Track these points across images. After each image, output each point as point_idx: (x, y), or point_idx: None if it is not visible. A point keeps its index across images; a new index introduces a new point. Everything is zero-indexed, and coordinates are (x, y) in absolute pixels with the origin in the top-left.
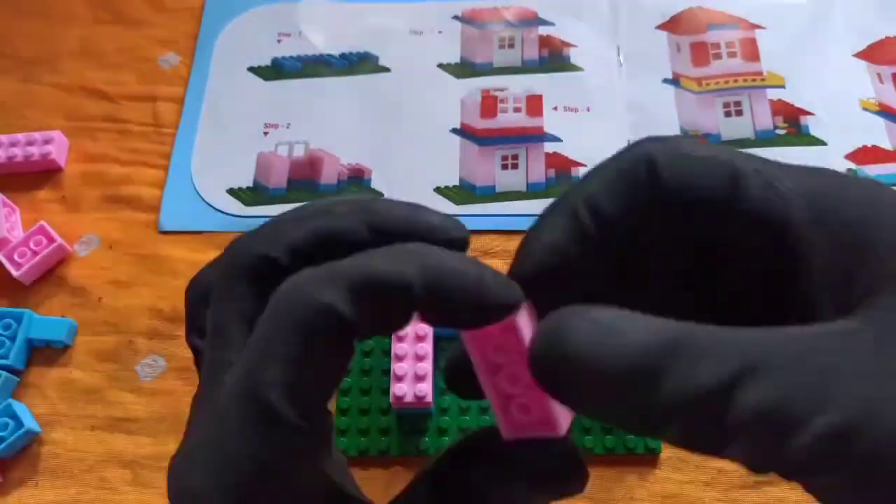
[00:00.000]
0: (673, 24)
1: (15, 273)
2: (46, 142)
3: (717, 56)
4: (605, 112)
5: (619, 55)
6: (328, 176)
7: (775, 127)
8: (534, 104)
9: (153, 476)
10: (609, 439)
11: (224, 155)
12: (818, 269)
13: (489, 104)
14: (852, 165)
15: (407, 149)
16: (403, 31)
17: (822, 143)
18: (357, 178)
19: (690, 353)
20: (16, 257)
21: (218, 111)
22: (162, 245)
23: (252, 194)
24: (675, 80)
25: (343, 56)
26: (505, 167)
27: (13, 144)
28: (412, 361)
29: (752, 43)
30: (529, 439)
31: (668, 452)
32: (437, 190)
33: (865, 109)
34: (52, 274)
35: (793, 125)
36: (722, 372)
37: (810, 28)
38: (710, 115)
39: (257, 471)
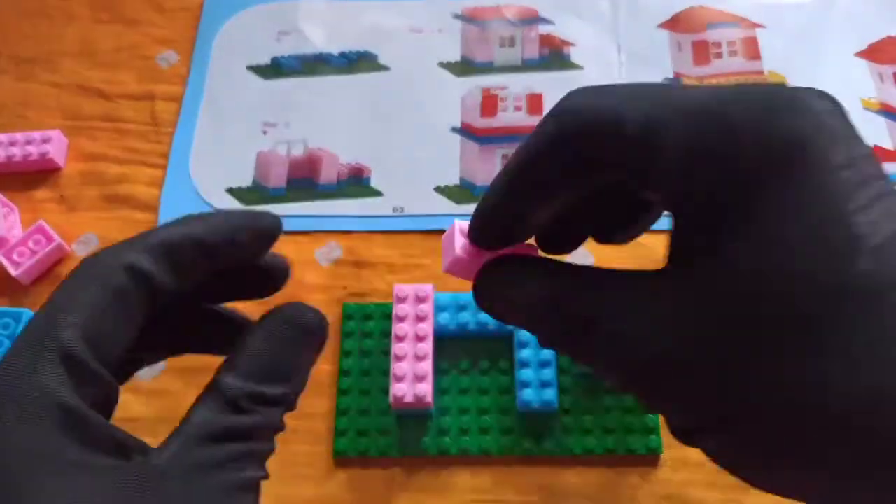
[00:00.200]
0: (674, 23)
1: (14, 272)
2: (45, 141)
3: (718, 55)
4: None
5: (619, 54)
6: (327, 175)
7: None
8: (534, 103)
9: None
10: (610, 440)
11: (223, 154)
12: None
13: (489, 103)
14: None
15: (407, 148)
16: (403, 29)
17: None
18: (356, 177)
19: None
20: (15, 257)
21: (217, 110)
22: None
23: (251, 193)
24: (676, 80)
25: (342, 55)
26: None
27: (12, 144)
28: (412, 362)
29: (753, 42)
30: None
31: (669, 453)
32: (438, 189)
33: (867, 109)
34: (50, 273)
35: None
36: None
37: (811, 27)
38: None
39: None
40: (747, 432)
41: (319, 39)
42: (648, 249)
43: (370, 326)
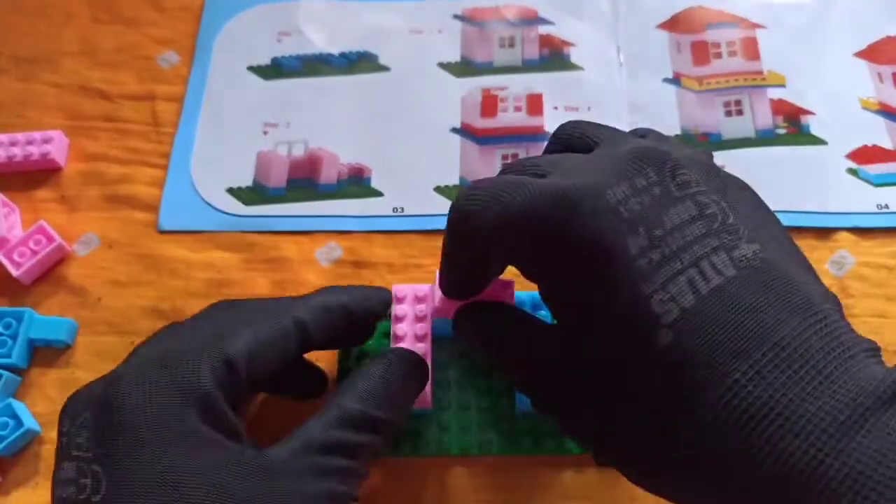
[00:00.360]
0: (673, 24)
1: (14, 273)
2: (46, 141)
3: (718, 55)
4: (606, 111)
5: (619, 54)
6: (328, 175)
7: (776, 126)
8: (534, 103)
9: None
10: None
11: (223, 154)
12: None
13: (489, 103)
14: (853, 165)
15: (407, 148)
16: (403, 29)
17: (823, 142)
18: (357, 177)
19: None
20: (15, 257)
21: (217, 110)
22: (161, 245)
23: (252, 193)
24: (675, 80)
25: (343, 55)
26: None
27: (13, 144)
28: None
29: (753, 42)
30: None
31: None
32: (437, 189)
33: (865, 109)
34: (51, 273)
35: (793, 124)
36: None
37: (811, 27)
38: (710, 115)
39: None
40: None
41: (320, 40)
42: None
43: None
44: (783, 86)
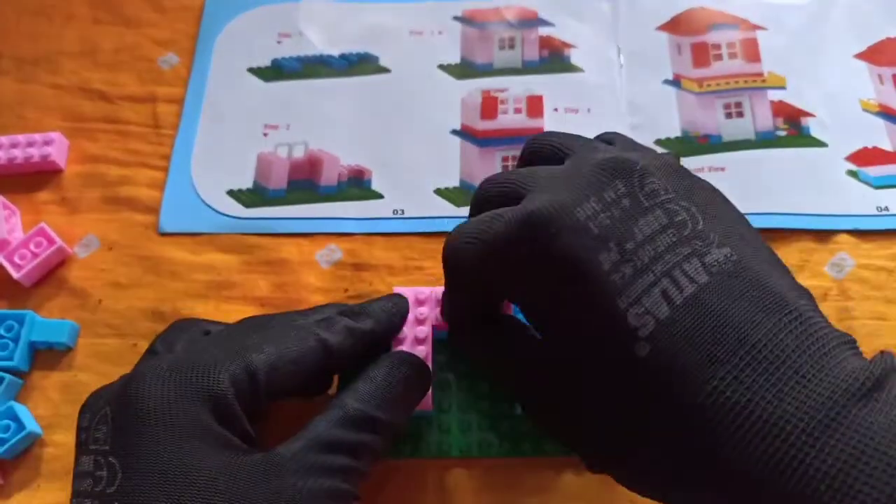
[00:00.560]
0: (673, 25)
1: (15, 275)
2: (46, 143)
3: (718, 57)
4: (606, 113)
5: (619, 56)
6: (328, 177)
7: (776, 128)
8: (534, 105)
9: None
10: None
11: (224, 156)
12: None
13: (489, 105)
14: (853, 167)
15: (407, 150)
16: (403, 31)
17: (823, 144)
18: (357, 178)
19: None
20: (16, 259)
21: (218, 112)
22: (162, 247)
23: (252, 196)
24: (675, 81)
25: (343, 56)
26: (505, 168)
27: (13, 146)
28: None
29: (753, 44)
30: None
31: None
32: (438, 191)
33: (865, 110)
34: (52, 276)
35: (794, 126)
36: None
37: (811, 29)
38: (710, 117)
39: None
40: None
41: (320, 41)
42: None
43: None
44: (783, 87)
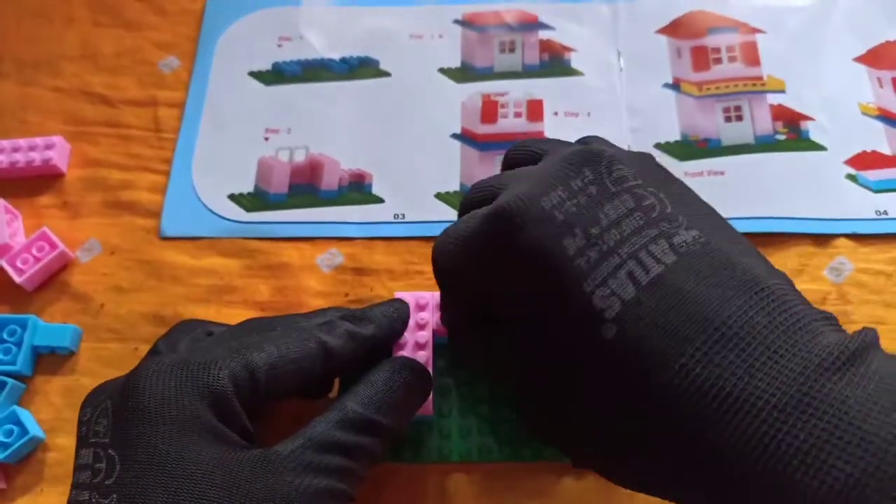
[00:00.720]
0: (673, 29)
1: (18, 279)
2: (48, 147)
3: (718, 60)
4: (606, 117)
5: (619, 60)
6: (329, 181)
7: (775, 132)
8: (534, 109)
9: None
10: None
11: (225, 160)
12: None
13: (490, 109)
14: (852, 171)
15: (407, 154)
16: (404, 34)
17: (823, 148)
18: (358, 183)
19: None
20: (18, 263)
21: (219, 116)
22: (163, 251)
23: (253, 200)
24: (675, 85)
25: (344, 60)
26: None
27: (15, 150)
28: None
29: (753, 47)
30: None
31: None
32: (438, 195)
33: (865, 114)
34: (54, 280)
35: (793, 130)
36: None
37: (811, 32)
38: (710, 120)
39: None
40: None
41: (321, 45)
42: None
43: None
44: (783, 91)
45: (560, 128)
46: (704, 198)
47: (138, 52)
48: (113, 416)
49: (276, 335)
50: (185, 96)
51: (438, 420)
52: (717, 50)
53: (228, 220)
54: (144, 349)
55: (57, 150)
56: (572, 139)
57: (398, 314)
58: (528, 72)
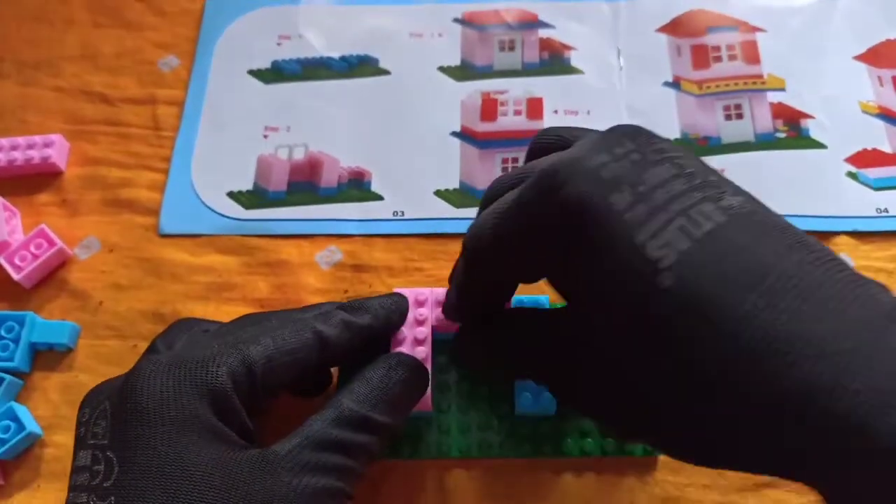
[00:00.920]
0: (673, 27)
1: (16, 276)
2: (47, 145)
3: (718, 59)
4: (606, 115)
5: (619, 58)
6: (328, 179)
7: (775, 130)
8: (534, 107)
9: None
10: (608, 442)
11: (224, 158)
12: None
13: (489, 107)
14: (853, 169)
15: (407, 151)
16: (403, 33)
17: (823, 146)
18: (357, 180)
19: None
20: (17, 261)
21: (218, 114)
22: (162, 248)
23: (252, 197)
24: (675, 83)
25: (343, 59)
26: (505, 170)
27: (14, 148)
28: None
29: (753, 45)
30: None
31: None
32: (437, 193)
33: (865, 112)
34: (52, 277)
35: (793, 128)
36: None
37: (811, 31)
38: (710, 118)
39: None
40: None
41: (320, 43)
42: None
43: None
44: (783, 89)
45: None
46: None
47: (138, 51)
48: (111, 417)
49: (271, 326)
50: (185, 95)
51: (437, 416)
52: (718, 48)
53: (227, 217)
54: (143, 346)
55: (56, 149)
56: None
57: (396, 306)
58: (527, 70)
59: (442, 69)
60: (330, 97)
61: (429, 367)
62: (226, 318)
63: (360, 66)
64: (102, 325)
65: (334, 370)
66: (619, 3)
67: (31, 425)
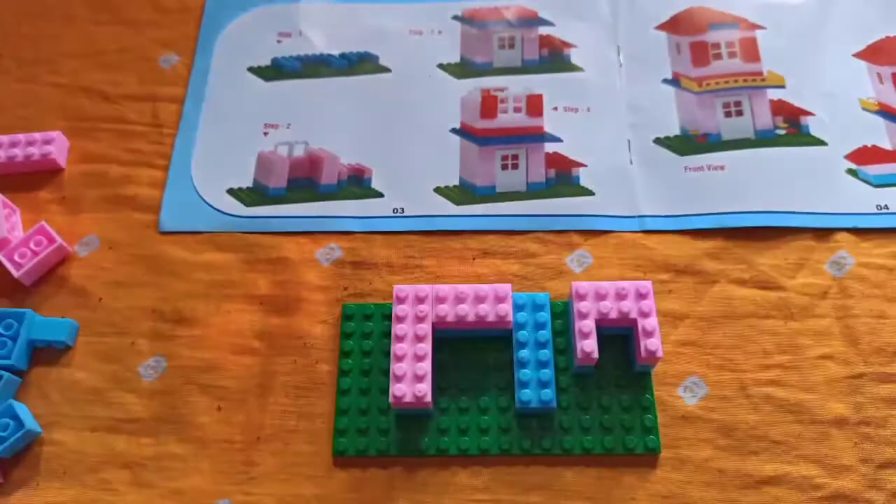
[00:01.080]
0: (673, 25)
1: (15, 273)
2: (47, 142)
3: (718, 56)
4: (606, 112)
5: (619, 55)
6: (328, 176)
7: (775, 127)
8: (534, 104)
9: (153, 477)
10: (608, 440)
11: (224, 155)
12: None
13: (489, 104)
14: (853, 165)
15: (407, 149)
16: (403, 31)
17: (823, 143)
18: (357, 177)
19: None
20: (16, 258)
21: (218, 111)
22: (162, 245)
23: (252, 194)
24: (675, 81)
25: (343, 56)
26: (505, 167)
27: (13, 145)
28: (411, 361)
29: (753, 43)
30: None
31: (667, 453)
32: (437, 190)
33: (865, 109)
34: (52, 274)
35: (793, 125)
36: None
37: (810, 28)
38: (710, 115)
39: None
40: None
41: (320, 41)
42: (648, 250)
43: (370, 326)
44: (783, 86)
45: (560, 123)
46: (704, 192)
47: (138, 48)
48: None
49: None
50: (185, 92)
51: (437, 414)
52: (717, 45)
53: (227, 214)
54: (142, 344)
55: (56, 146)
56: (572, 134)
57: None
58: (527, 67)
59: (442, 66)
60: (330, 94)
61: (429, 365)
62: (226, 315)
63: (360, 63)
64: (102, 323)
65: (332, 372)
66: (618, 1)
67: (30, 423)
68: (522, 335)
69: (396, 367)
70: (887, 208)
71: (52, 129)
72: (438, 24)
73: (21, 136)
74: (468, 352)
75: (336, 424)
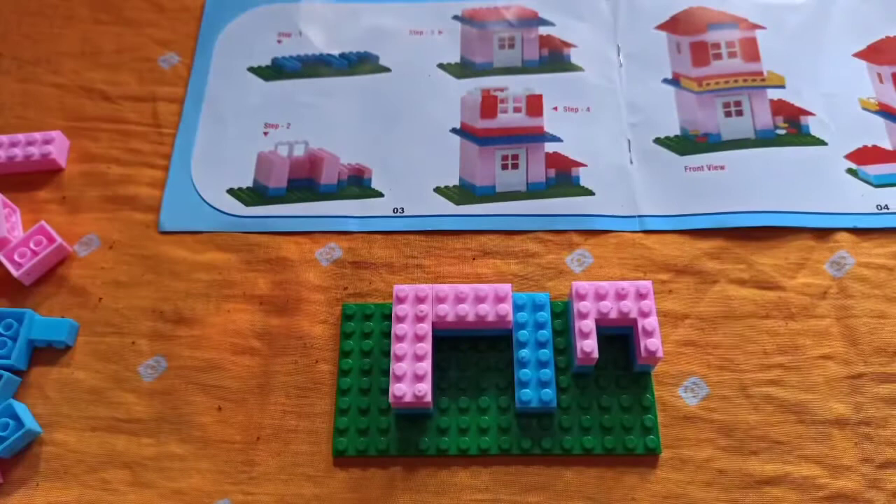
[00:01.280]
0: (673, 24)
1: (15, 273)
2: (47, 142)
3: (718, 56)
4: (606, 112)
5: (619, 55)
6: (328, 176)
7: (775, 127)
8: (534, 104)
9: (154, 477)
10: (609, 440)
11: (224, 155)
12: None
13: (489, 104)
14: (853, 165)
15: (407, 149)
16: (403, 31)
17: (823, 143)
18: (357, 177)
19: None
20: (16, 257)
21: (218, 111)
22: (162, 245)
23: (252, 194)
24: (675, 80)
25: (343, 56)
26: (505, 167)
27: (13, 145)
28: (411, 361)
29: (753, 43)
30: None
31: (668, 453)
32: (437, 190)
33: (865, 109)
34: (52, 274)
35: (793, 125)
36: None
37: (810, 28)
38: (710, 115)
39: None
40: None
41: (320, 41)
42: (648, 250)
43: (370, 326)
44: (783, 86)
45: (560, 123)
46: (704, 192)
47: (138, 48)
48: None
49: None
50: (185, 92)
51: (437, 414)
52: (717, 45)
53: (227, 214)
54: (142, 344)
55: (56, 145)
56: (572, 134)
57: None
58: (527, 67)
59: (442, 66)
60: (330, 94)
61: (429, 365)
62: (226, 315)
63: (360, 63)
64: (102, 322)
65: (332, 372)
66: (618, 1)
67: (30, 423)
68: (522, 335)
69: (396, 367)
70: (887, 208)
71: (51, 128)
72: (438, 24)
73: (21, 136)
74: (468, 352)
75: (336, 424)
